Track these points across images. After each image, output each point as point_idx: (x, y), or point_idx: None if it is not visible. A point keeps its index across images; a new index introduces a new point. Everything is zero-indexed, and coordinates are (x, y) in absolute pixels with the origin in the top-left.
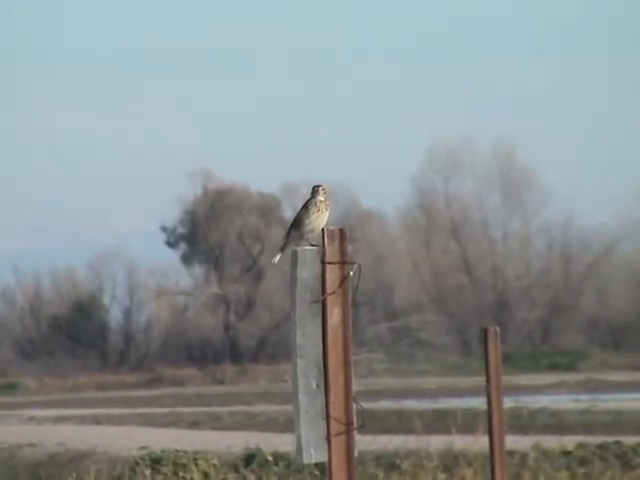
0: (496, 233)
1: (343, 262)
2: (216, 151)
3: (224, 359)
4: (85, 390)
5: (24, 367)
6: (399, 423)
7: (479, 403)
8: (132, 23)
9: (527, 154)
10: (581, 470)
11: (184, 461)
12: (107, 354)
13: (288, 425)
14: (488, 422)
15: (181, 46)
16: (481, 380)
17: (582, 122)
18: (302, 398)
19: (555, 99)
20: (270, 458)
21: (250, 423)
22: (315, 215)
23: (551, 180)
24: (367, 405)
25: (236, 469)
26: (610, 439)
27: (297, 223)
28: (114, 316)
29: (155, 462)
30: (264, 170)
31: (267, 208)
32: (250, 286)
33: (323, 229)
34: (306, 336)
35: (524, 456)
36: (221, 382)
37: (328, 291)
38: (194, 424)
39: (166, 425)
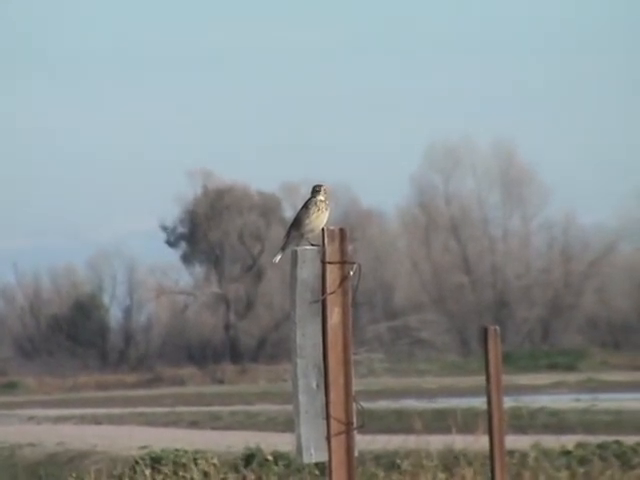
0: (496, 232)
1: (343, 262)
2: (216, 151)
3: (224, 359)
4: (85, 390)
5: (24, 366)
6: (399, 423)
7: (479, 403)
8: (132, 23)
9: (527, 153)
10: (581, 470)
11: (184, 461)
12: (107, 353)
13: (288, 425)
14: (488, 422)
15: (181, 46)
16: (481, 380)
17: (582, 122)
18: (302, 398)
19: (555, 99)
20: (270, 458)
21: (250, 423)
22: (315, 215)
23: (551, 179)
24: (367, 405)
25: (236, 469)
26: (610, 439)
27: (297, 223)
28: (114, 315)
29: (155, 462)
30: (264, 170)
31: (267, 208)
32: (250, 286)
33: (323, 229)
34: (306, 336)
35: (524, 456)
36: (221, 382)
37: (328, 291)
38: (194, 424)
39: (166, 425)
